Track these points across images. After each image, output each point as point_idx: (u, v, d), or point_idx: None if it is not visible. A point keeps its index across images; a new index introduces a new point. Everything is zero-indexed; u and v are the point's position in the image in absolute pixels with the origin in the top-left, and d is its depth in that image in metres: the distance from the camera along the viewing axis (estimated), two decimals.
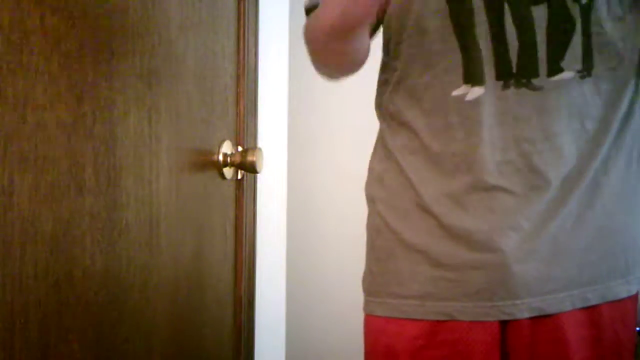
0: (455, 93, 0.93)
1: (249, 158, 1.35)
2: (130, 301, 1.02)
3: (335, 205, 1.82)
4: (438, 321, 0.95)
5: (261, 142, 1.51)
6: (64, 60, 0.85)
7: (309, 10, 1.03)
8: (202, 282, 1.27)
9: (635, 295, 1.00)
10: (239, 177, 1.39)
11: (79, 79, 0.88)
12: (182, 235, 1.18)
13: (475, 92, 0.92)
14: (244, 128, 1.41)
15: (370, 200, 1.05)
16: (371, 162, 1.07)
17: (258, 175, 1.46)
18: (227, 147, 1.32)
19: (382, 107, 1.03)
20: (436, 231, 0.95)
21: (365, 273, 1.05)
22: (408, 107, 0.98)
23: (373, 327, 1.01)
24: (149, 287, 1.07)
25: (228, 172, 1.33)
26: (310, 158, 1.83)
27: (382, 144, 1.03)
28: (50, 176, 0.84)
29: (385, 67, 1.04)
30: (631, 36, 0.95)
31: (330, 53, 0.97)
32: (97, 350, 0.94)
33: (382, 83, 1.04)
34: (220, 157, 1.31)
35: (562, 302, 0.94)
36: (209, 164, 1.29)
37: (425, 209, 0.96)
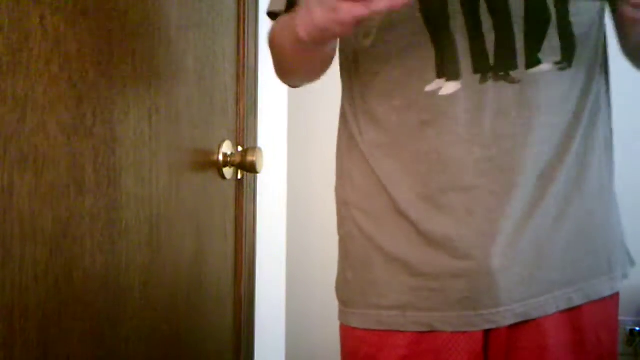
0: (428, 89, 0.89)
1: (249, 158, 1.35)
2: (130, 301, 1.02)
3: (335, 205, 1.82)
4: (421, 332, 0.92)
5: (261, 142, 1.51)
6: (64, 60, 0.85)
7: (272, 14, 1.00)
8: (202, 282, 1.27)
9: (617, 295, 0.97)
10: (239, 177, 1.39)
11: (79, 79, 0.88)
12: (182, 236, 1.18)
13: (451, 87, 0.88)
14: (244, 128, 1.41)
15: (342, 203, 1.01)
16: (339, 162, 1.03)
17: (258, 175, 1.46)
18: (227, 147, 1.32)
19: (351, 102, 0.99)
20: (414, 238, 0.91)
21: (338, 280, 1.01)
22: (378, 104, 0.94)
23: (352, 337, 0.98)
24: (149, 287, 1.07)
25: (228, 172, 1.33)
26: (310, 158, 1.83)
27: (351, 143, 0.99)
28: (50, 176, 0.84)
29: (354, 62, 0.99)
30: (604, 23, 0.93)
31: (299, 59, 0.95)
32: (97, 350, 0.94)
33: (350, 77, 1.00)
34: (220, 157, 1.31)
35: (545, 305, 0.91)
36: (209, 164, 1.29)
37: (400, 214, 0.92)
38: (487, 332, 0.92)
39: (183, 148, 1.18)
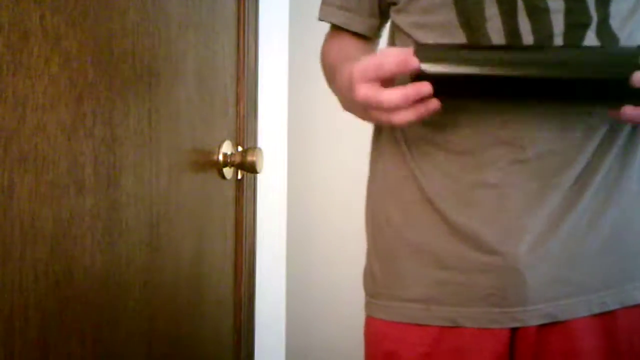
0: None
1: (249, 158, 1.35)
2: (130, 301, 1.02)
3: (335, 205, 1.82)
4: (443, 327, 0.91)
5: (261, 142, 1.51)
6: (64, 60, 0.85)
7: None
8: (202, 282, 1.27)
9: None
10: (239, 177, 1.39)
11: (79, 79, 0.88)
12: (182, 236, 1.18)
13: None
14: (244, 128, 1.41)
15: (373, 195, 1.01)
16: (373, 157, 1.02)
17: (258, 175, 1.46)
18: (227, 147, 1.32)
19: None
20: (442, 229, 0.91)
21: (366, 272, 1.00)
22: None
23: (375, 331, 0.97)
24: (149, 287, 1.07)
25: (228, 172, 1.33)
26: (310, 158, 1.83)
27: (385, 135, 0.99)
28: (50, 176, 0.84)
29: None
30: None
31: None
32: (97, 350, 0.94)
33: None
34: (220, 157, 1.31)
35: (575, 307, 0.89)
36: (209, 164, 1.29)
37: (430, 203, 0.91)
38: (513, 332, 0.90)
39: (183, 148, 1.18)
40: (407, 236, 0.94)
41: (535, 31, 0.85)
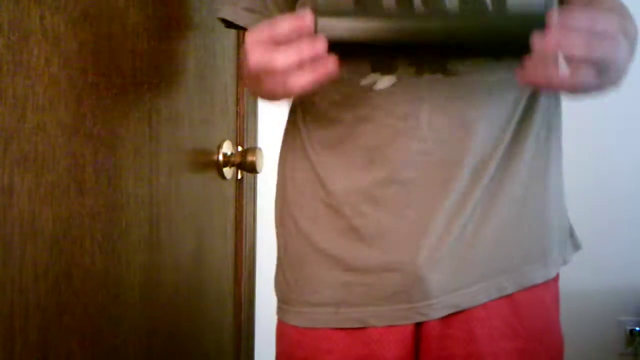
0: (363, 83, 0.88)
1: (249, 158, 1.35)
2: (130, 301, 1.02)
3: None
4: (354, 330, 0.91)
5: (261, 142, 1.51)
6: (64, 60, 0.85)
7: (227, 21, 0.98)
8: (202, 282, 1.27)
9: (556, 280, 0.96)
10: (239, 177, 1.39)
11: (79, 79, 0.88)
12: (182, 235, 1.18)
13: (386, 80, 0.87)
14: (244, 128, 1.41)
15: (281, 201, 1.01)
16: (282, 159, 1.02)
17: (258, 175, 1.46)
18: (227, 147, 1.32)
19: (300, 98, 0.97)
20: (347, 233, 0.91)
21: (277, 278, 1.01)
22: (321, 99, 0.93)
23: (288, 338, 0.98)
24: (149, 287, 1.07)
25: (228, 172, 1.33)
26: None
27: (295, 139, 0.99)
28: (50, 176, 0.84)
29: None
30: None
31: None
32: (97, 351, 0.94)
33: None
34: (220, 157, 1.31)
35: (476, 294, 0.90)
36: (209, 164, 1.29)
37: (335, 210, 0.92)
38: (418, 327, 0.91)
39: (183, 148, 1.18)
40: (314, 242, 0.95)
41: None
